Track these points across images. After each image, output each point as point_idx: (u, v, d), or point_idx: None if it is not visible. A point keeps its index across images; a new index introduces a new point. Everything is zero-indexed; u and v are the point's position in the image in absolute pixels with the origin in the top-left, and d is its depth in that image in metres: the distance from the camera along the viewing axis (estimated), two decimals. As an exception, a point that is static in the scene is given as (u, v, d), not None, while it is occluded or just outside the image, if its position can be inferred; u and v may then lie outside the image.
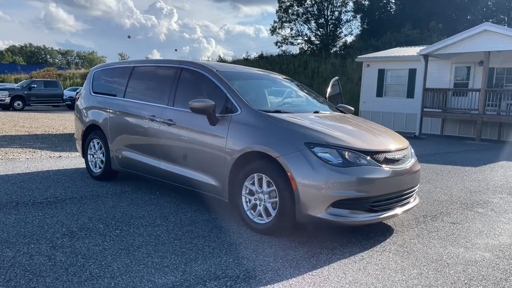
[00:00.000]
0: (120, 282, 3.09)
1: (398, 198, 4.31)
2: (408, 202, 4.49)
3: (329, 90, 6.93)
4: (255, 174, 4.27)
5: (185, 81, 5.27)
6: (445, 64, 18.28)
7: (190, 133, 4.88)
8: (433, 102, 17.33)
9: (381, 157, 4.16)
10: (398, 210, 4.30)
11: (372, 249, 4.02)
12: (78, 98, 6.94)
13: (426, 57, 16.99)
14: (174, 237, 4.06)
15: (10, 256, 3.44)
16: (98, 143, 6.28)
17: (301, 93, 5.79)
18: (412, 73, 19.22)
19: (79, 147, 6.75)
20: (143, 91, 5.85)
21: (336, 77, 7.26)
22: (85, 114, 6.52)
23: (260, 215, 4.27)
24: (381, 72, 20.18)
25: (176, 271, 3.33)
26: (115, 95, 6.09)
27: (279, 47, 49.68)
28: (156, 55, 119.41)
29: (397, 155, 4.34)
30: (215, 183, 4.65)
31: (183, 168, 4.99)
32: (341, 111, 5.64)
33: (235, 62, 43.68)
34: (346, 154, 3.98)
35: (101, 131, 6.15)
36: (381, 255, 3.86)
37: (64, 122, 16.94)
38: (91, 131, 6.39)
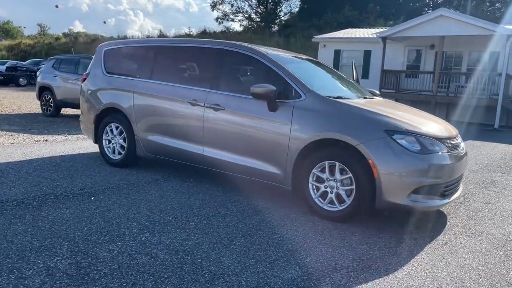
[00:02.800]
0: (248, 279, 2.99)
1: (457, 182, 4.49)
2: (460, 187, 4.69)
3: (355, 74, 6.98)
4: (326, 162, 4.24)
5: (232, 65, 5.06)
6: (399, 47, 19.05)
7: (244, 119, 4.72)
8: (387, 83, 18.06)
9: (449, 143, 4.30)
10: (456, 195, 4.49)
11: (444, 233, 4.18)
12: (83, 79, 6.40)
13: (384, 39, 17.58)
14: (253, 228, 3.97)
15: (109, 257, 3.18)
16: (117, 127, 5.88)
17: (339, 77, 5.78)
18: (367, 54, 19.84)
19: (88, 132, 6.28)
20: (176, 73, 5.54)
21: (353, 61, 7.33)
22: (98, 97, 6.06)
23: (331, 202, 4.26)
24: (337, 53, 20.62)
25: (289, 263, 3.26)
26: (138, 77, 5.70)
27: (220, 23, 48.97)
28: (78, 27, 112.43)
29: (457, 141, 4.50)
30: (276, 170, 4.56)
31: (234, 155, 4.83)
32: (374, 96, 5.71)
33: (178, 37, 42.47)
34: (424, 141, 4.06)
35: (122, 114, 5.76)
36: (458, 238, 4.04)
37: (12, 100, 15.60)
38: (107, 114, 5.96)
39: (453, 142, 4.37)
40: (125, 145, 5.80)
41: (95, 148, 7.16)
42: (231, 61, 5.07)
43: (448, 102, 17.38)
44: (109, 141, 6.00)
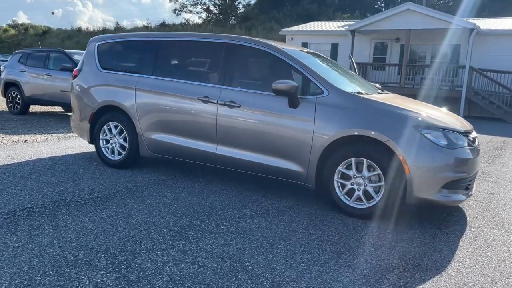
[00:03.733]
0: (309, 285, 2.88)
1: (475, 177, 4.56)
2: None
3: (356, 68, 6.96)
4: (352, 159, 4.19)
5: (248, 61, 4.89)
6: (365, 40, 19.37)
7: (262, 116, 4.58)
8: (359, 75, 18.31)
9: (470, 137, 4.34)
10: (474, 188, 4.56)
11: (469, 226, 4.24)
12: (75, 76, 6.03)
13: (353, 32, 17.81)
14: (286, 229, 3.87)
15: (155, 268, 2.98)
16: (116, 126, 5.57)
17: (346, 72, 5.73)
18: (335, 47, 20.06)
19: (82, 131, 5.93)
20: (184, 69, 5.31)
21: (350, 55, 7.31)
22: (94, 94, 5.72)
23: (359, 199, 4.21)
24: (304, 46, 20.69)
25: (340, 266, 3.19)
26: (139, 72, 5.42)
27: (177, 15, 48.08)
28: (22, 18, 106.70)
29: (474, 135, 4.56)
30: (298, 168, 4.46)
31: (252, 153, 4.69)
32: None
33: (135, 30, 41.38)
34: (450, 135, 4.08)
35: (123, 113, 5.46)
36: (485, 231, 4.12)
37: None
38: (104, 113, 5.63)
39: (471, 136, 4.41)
40: (126, 145, 5.50)
41: (83, 148, 6.80)
42: (246, 57, 4.91)
43: (415, 94, 17.82)
44: (107, 141, 5.68)
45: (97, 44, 5.92)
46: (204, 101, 4.86)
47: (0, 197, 4.28)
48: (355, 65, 7.00)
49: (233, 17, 46.95)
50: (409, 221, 4.21)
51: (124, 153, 5.56)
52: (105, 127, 5.64)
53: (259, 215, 4.16)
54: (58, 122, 9.85)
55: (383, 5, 50.61)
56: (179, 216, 4.00)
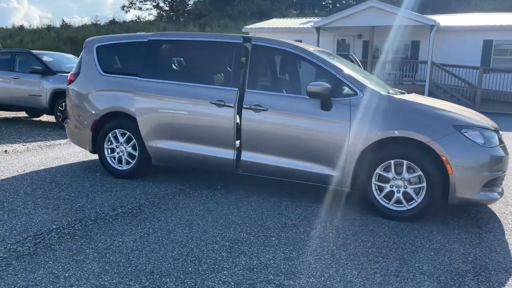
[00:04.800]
0: (399, 298, 2.76)
1: None
2: None
3: (361, 67, 6.91)
4: (391, 161, 4.13)
5: (273, 63, 4.71)
6: (329, 36, 19.60)
7: (292, 119, 4.42)
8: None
9: (500, 135, 4.40)
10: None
11: (505, 222, 4.28)
12: (71, 81, 5.59)
13: (318, 29, 17.96)
14: (338, 237, 3.76)
15: (234, 291, 2.76)
16: (123, 134, 5.22)
17: (362, 71, 5.67)
18: (298, 44, 20.08)
19: (82, 140, 5.52)
20: (196, 72, 5.03)
21: (351, 53, 7.26)
22: (96, 100, 5.32)
23: (398, 202, 4.17)
24: (268, 43, 20.61)
25: (414, 274, 3.11)
26: (145, 77, 5.08)
27: (126, 11, 46.66)
28: None
29: (500, 133, 4.63)
30: (332, 172, 4.34)
31: (281, 158, 4.52)
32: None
33: (84, 28, 39.68)
34: (485, 134, 4.11)
35: (131, 119, 5.11)
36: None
37: None
38: (109, 120, 5.26)
39: (500, 135, 4.47)
40: (136, 154, 5.16)
41: (74, 157, 6.38)
42: (271, 59, 4.71)
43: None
44: (112, 150, 5.31)
45: (95, 46, 5.51)
46: (218, 105, 4.61)
47: (15, 218, 3.85)
48: (360, 64, 6.96)
49: (185, 14, 46.16)
50: (444, 221, 4.21)
51: (133, 162, 5.22)
52: (110, 135, 5.26)
53: (300, 223, 4.00)
54: (30, 129, 9.19)
55: (330, 1, 51.66)
56: (221, 229, 3.76)
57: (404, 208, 4.13)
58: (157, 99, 4.92)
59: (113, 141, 5.26)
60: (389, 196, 4.19)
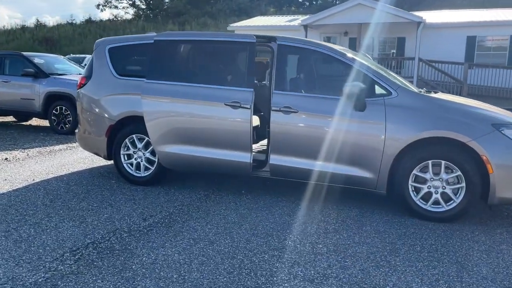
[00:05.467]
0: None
1: None
2: None
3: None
4: (429, 161, 4.06)
5: (304, 64, 4.58)
6: (315, 34, 19.54)
7: (324, 121, 4.32)
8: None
9: None
10: None
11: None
12: (82, 84, 5.34)
13: (306, 27, 17.90)
14: (383, 242, 3.67)
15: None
16: (141, 139, 5.01)
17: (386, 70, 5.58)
18: (285, 42, 19.98)
19: (95, 147, 5.28)
20: (208, 73, 4.86)
21: (363, 52, 7.19)
22: (111, 104, 5.09)
23: (436, 203, 4.10)
24: (254, 42, 20.46)
25: (479, 280, 3.03)
26: (153, 78, 4.87)
27: (101, 10, 45.77)
28: None
29: None
30: (366, 174, 4.25)
31: (312, 161, 4.40)
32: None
33: (59, 27, 38.75)
34: (523, 132, 4.07)
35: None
36: None
37: None
38: (125, 125, 5.04)
39: None
40: (155, 159, 4.95)
41: (81, 163, 6.12)
42: (299, 59, 4.57)
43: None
44: (129, 156, 5.09)
45: (107, 47, 5.27)
46: (233, 107, 4.46)
47: (44, 233, 3.62)
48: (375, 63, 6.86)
49: (162, 12, 45.54)
50: (481, 221, 4.20)
51: (152, 168, 5.01)
52: (127, 140, 5.05)
53: (341, 228, 3.90)
54: (23, 135, 8.82)
55: (307, -1, 51.85)
56: (263, 238, 3.62)
57: (443, 209, 4.06)
58: (166, 101, 4.72)
59: (130, 146, 5.05)
60: (426, 197, 4.11)
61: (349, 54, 4.46)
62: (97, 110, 5.15)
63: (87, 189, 4.89)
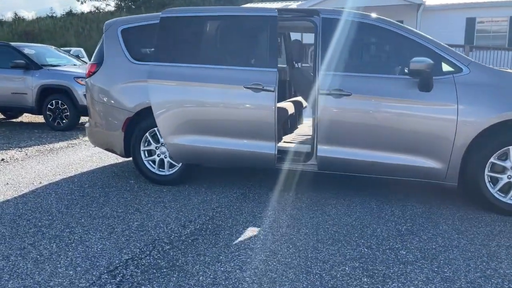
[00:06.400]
0: None
1: None
2: None
3: None
4: (510, 147, 3.51)
5: (349, 38, 3.96)
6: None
7: (384, 104, 3.74)
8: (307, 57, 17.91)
9: None
10: None
11: None
12: (92, 72, 4.66)
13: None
14: (471, 244, 3.13)
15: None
16: (165, 133, 4.36)
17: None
18: (280, 29, 19.34)
19: (110, 142, 4.62)
20: (223, 53, 4.26)
21: None
22: (127, 94, 4.42)
23: (518, 194, 3.56)
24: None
25: None
26: (161, 60, 4.24)
27: (82, 2, 44.39)
28: None
29: None
30: (434, 164, 3.70)
31: (370, 151, 3.84)
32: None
33: (39, 20, 37.41)
34: None
35: (175, 115, 4.26)
36: None
37: None
38: (145, 117, 4.39)
39: None
40: (183, 155, 4.32)
41: (89, 162, 5.48)
42: (349, 34, 3.96)
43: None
44: (151, 152, 4.45)
45: (120, 28, 4.59)
46: (255, 90, 3.86)
47: (69, 248, 2.98)
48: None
49: (146, 3, 44.27)
50: None
51: (178, 165, 4.38)
52: (147, 134, 4.41)
53: (415, 228, 3.35)
54: (16, 132, 8.08)
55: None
56: (333, 245, 3.05)
57: (525, 201, 3.52)
58: (177, 85, 4.09)
59: (151, 141, 4.40)
60: (504, 189, 3.58)
61: (408, 27, 3.85)
62: (111, 101, 4.48)
63: (105, 192, 4.24)
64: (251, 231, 3.26)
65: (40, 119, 9.21)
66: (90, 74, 4.64)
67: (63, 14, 38.11)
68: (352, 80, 3.82)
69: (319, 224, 3.41)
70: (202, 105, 4.03)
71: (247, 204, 3.89)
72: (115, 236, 3.17)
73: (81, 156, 5.90)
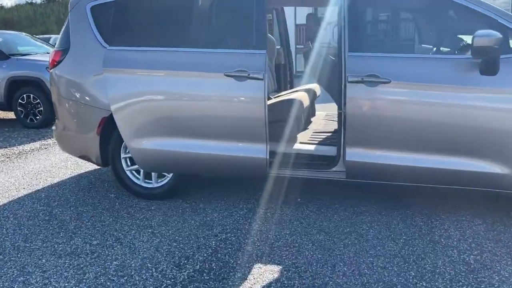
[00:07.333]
0: None
1: None
2: None
3: None
4: None
5: (385, 8, 3.05)
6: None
7: (434, 94, 2.86)
8: (301, 38, 17.07)
9: None
10: None
11: None
12: (56, 62, 3.72)
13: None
14: None
15: None
16: (151, 136, 3.44)
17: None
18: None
19: (83, 148, 3.71)
20: (195, 32, 3.34)
21: None
22: (101, 88, 3.49)
23: None
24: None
25: None
26: (118, 44, 3.32)
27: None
28: None
29: None
30: (500, 170, 2.85)
31: (415, 155, 2.99)
32: None
33: (19, 8, 35.90)
34: None
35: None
36: None
37: None
38: (126, 116, 3.46)
39: None
40: (174, 163, 3.41)
41: (64, 168, 4.57)
42: (384, 4, 3.05)
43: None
44: (134, 160, 3.54)
45: (89, 5, 3.63)
46: (238, 78, 2.95)
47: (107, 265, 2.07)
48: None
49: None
50: None
51: (169, 175, 3.48)
52: (129, 138, 3.46)
53: (487, 260, 2.56)
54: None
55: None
56: (396, 271, 2.17)
57: None
58: (140, 75, 3.18)
59: (135, 147, 3.47)
60: None
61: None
62: (81, 97, 3.55)
63: (77, 213, 3.35)
64: (270, 272, 2.39)
65: (10, 115, 8.23)
66: (55, 64, 3.70)
67: (44, 1, 36.52)
68: (391, 62, 2.94)
69: (359, 256, 2.56)
70: (172, 99, 3.14)
71: (258, 225, 3.03)
72: (133, 264, 2.29)
73: (54, 160, 4.98)
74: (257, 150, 3.11)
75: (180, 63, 3.14)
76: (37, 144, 5.90)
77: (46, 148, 5.63)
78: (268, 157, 3.12)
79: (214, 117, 3.08)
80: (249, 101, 3.02)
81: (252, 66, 3.02)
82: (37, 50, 8.09)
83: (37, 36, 19.56)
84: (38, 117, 7.13)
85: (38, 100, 7.00)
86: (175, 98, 3.13)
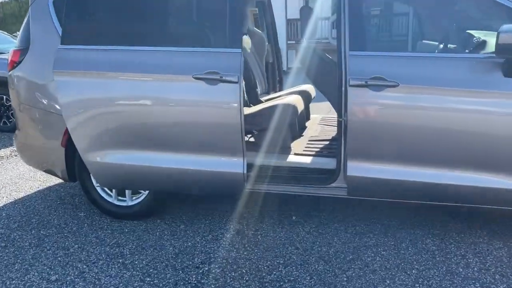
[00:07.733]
0: None
1: None
2: None
3: None
4: None
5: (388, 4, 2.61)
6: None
7: (449, 99, 2.45)
8: (293, 33, 16.73)
9: None
10: None
11: None
12: (15, 63, 3.25)
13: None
14: None
15: None
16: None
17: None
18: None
19: (46, 160, 3.26)
20: (180, 29, 2.90)
21: None
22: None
23: None
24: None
25: None
26: (71, 42, 2.87)
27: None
28: None
29: None
30: (526, 187, 2.44)
31: (425, 169, 2.58)
32: None
33: (4, 5, 35.08)
34: None
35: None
36: None
37: None
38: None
39: None
40: (151, 178, 2.97)
41: (28, 179, 4.08)
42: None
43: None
44: (106, 175, 3.08)
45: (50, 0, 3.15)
46: (209, 81, 2.53)
47: None
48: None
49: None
50: None
51: (145, 192, 3.04)
52: (99, 150, 3.01)
53: (497, 281, 2.08)
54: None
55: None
56: None
57: None
58: (96, 78, 2.73)
59: (105, 160, 3.02)
60: None
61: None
62: (43, 102, 3.09)
63: (39, 238, 2.90)
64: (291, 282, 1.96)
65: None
66: (14, 65, 3.24)
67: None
68: (399, 63, 2.52)
69: (374, 269, 2.13)
70: (133, 106, 2.69)
71: (248, 253, 2.60)
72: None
73: (22, 170, 4.51)
74: (232, 164, 2.68)
75: (141, 64, 2.70)
76: (7, 151, 5.41)
77: (16, 156, 5.16)
78: (245, 171, 2.70)
79: (182, 126, 2.65)
80: (222, 108, 2.59)
81: (225, 67, 2.59)
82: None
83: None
84: (11, 120, 6.63)
85: (11, 102, 6.47)
86: (137, 105, 2.69)
